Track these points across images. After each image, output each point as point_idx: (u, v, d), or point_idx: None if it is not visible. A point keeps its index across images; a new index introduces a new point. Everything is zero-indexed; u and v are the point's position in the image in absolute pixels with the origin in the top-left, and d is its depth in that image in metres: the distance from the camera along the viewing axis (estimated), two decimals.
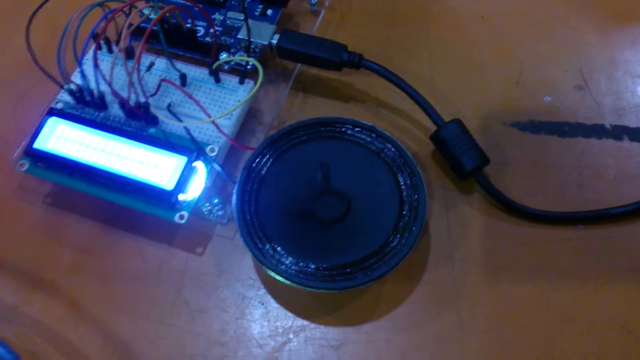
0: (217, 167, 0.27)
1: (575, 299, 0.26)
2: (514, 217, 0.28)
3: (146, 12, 0.29)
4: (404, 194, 0.26)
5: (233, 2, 0.33)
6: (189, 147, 0.28)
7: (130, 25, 0.27)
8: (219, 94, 0.30)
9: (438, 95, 0.32)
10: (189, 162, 0.27)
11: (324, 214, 0.26)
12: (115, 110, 0.29)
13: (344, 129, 0.28)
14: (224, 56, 0.31)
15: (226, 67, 0.31)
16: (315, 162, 0.27)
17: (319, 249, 0.25)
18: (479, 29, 0.34)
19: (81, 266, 0.28)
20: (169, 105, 0.29)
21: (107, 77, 0.27)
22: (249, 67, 0.30)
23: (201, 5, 0.32)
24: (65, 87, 0.28)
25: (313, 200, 0.26)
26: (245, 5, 0.30)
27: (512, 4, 0.35)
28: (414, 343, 0.26)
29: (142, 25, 0.30)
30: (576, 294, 0.26)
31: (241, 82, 0.30)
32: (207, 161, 0.27)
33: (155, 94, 0.29)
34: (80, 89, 0.29)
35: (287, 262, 0.25)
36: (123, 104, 0.28)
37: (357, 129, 0.28)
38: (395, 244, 0.25)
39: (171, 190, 0.26)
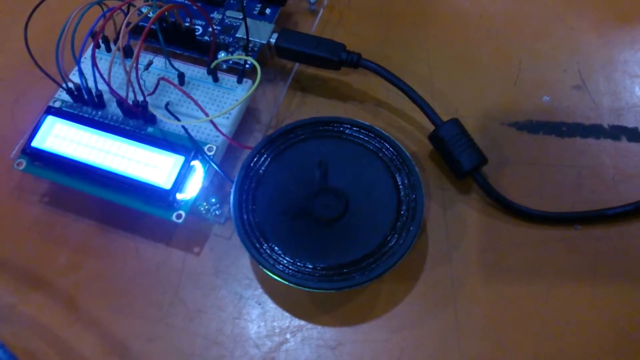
0: (214, 167, 0.27)
1: (573, 298, 0.26)
2: (512, 217, 0.28)
3: (144, 10, 0.29)
4: (402, 193, 0.26)
5: (232, 1, 0.33)
6: (186, 146, 0.28)
7: (129, 23, 0.27)
8: (217, 93, 0.30)
9: (436, 94, 0.32)
10: (187, 161, 0.27)
11: (321, 214, 0.26)
12: (113, 109, 0.29)
13: (342, 128, 0.28)
14: (222, 55, 0.31)
15: (224, 66, 0.31)
16: (313, 161, 0.27)
17: (316, 249, 0.25)
18: (478, 28, 0.34)
19: (78, 265, 0.28)
20: (167, 104, 0.29)
21: (105, 76, 0.27)
22: (247, 66, 0.30)
23: (200, 4, 0.32)
24: (63, 85, 0.28)
25: (311, 199, 0.26)
26: (244, 4, 0.30)
27: (511, 3, 0.35)
28: (412, 343, 0.26)
29: (141, 23, 0.30)
30: (574, 294, 0.26)
31: (239, 81, 0.30)
32: (205, 160, 0.27)
33: (153, 92, 0.29)
34: (78, 88, 0.29)
35: (284, 261, 0.25)
36: (121, 102, 0.28)
37: (355, 128, 0.28)
38: (392, 243, 0.25)
39: (169, 190, 0.26)
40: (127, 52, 0.30)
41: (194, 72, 0.30)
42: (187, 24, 0.30)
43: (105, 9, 0.27)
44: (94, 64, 0.27)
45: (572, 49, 0.33)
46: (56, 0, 0.28)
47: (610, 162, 0.29)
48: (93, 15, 0.27)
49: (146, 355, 0.26)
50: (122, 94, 0.27)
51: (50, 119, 0.28)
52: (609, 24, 0.34)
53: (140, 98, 0.28)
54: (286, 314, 0.26)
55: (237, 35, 0.31)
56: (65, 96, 0.29)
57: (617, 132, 0.30)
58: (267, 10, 0.33)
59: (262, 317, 0.26)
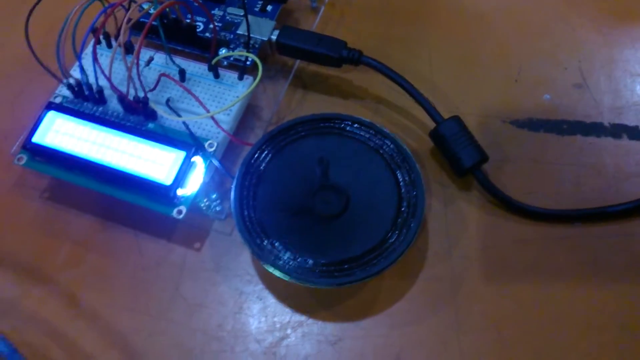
0: (215, 163, 0.27)
1: (573, 296, 0.26)
2: (512, 215, 0.28)
3: (145, 6, 0.29)
4: (403, 190, 0.26)
5: None
6: (187, 142, 0.28)
7: (130, 19, 0.27)
8: (218, 89, 0.30)
9: (437, 92, 0.32)
10: (188, 157, 0.27)
11: (322, 210, 0.26)
12: (114, 104, 0.29)
13: (343, 125, 0.28)
14: (223, 52, 0.31)
15: (225, 62, 0.31)
16: (314, 158, 0.27)
17: (317, 245, 0.25)
18: (479, 26, 0.34)
19: (79, 260, 0.28)
20: (168, 100, 0.29)
21: (106, 72, 0.27)
22: (248, 62, 0.30)
23: (201, 1, 0.32)
24: (64, 81, 0.28)
25: (312, 195, 0.26)
26: (245, 1, 0.30)
27: (512, 1, 0.35)
28: (412, 339, 0.26)
29: (142, 20, 0.30)
30: (574, 292, 0.26)
31: (240, 78, 0.30)
32: (206, 156, 0.27)
33: (154, 89, 0.29)
34: (79, 84, 0.29)
35: (285, 257, 0.25)
36: (122, 98, 0.28)
37: (356, 125, 0.28)
38: (393, 240, 0.25)
39: (169, 185, 0.26)
40: (128, 48, 0.30)
41: (195, 68, 0.30)
42: (188, 21, 0.31)
43: (106, 5, 0.27)
44: (95, 60, 0.27)
45: (573, 47, 0.33)
46: None
47: (611, 160, 0.29)
48: (94, 11, 0.27)
49: (147, 350, 0.26)
50: (123, 89, 0.27)
51: (51, 114, 0.28)
52: (610, 22, 0.34)
53: (141, 94, 0.28)
54: (287, 309, 0.26)
55: (238, 32, 0.31)
56: (66, 92, 0.29)
57: (618, 131, 0.30)
58: (269, 7, 0.33)
59: (263, 313, 0.26)
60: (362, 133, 0.28)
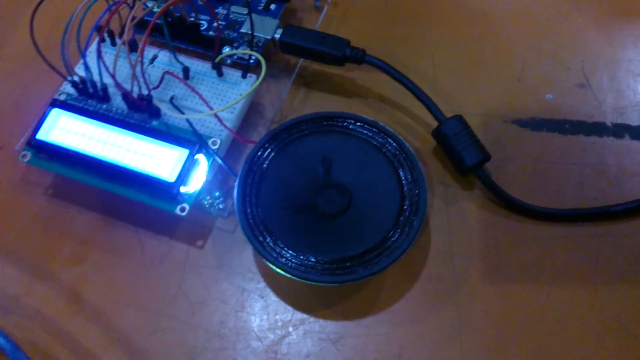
0: (218, 160, 0.28)
1: (575, 296, 0.26)
2: (514, 214, 0.28)
3: (150, 4, 0.29)
4: (405, 189, 0.26)
5: None
6: (191, 140, 0.28)
7: (134, 17, 0.27)
8: (222, 87, 0.30)
9: (440, 91, 0.32)
10: (191, 154, 0.27)
11: (325, 208, 0.26)
12: (118, 102, 0.29)
13: (345, 123, 0.28)
14: (226, 50, 0.31)
15: (229, 61, 0.31)
16: (317, 156, 0.27)
17: (319, 243, 0.25)
18: (482, 25, 0.34)
19: (82, 257, 0.28)
20: (172, 98, 0.29)
21: (111, 70, 0.27)
22: (251, 61, 0.30)
23: None
24: (69, 78, 0.28)
25: (314, 194, 0.26)
26: (249, 0, 0.30)
27: (516, 1, 0.35)
28: (413, 337, 0.26)
29: (146, 18, 0.30)
30: (576, 291, 0.26)
31: (244, 76, 0.30)
32: (209, 154, 0.28)
33: (158, 86, 0.29)
34: (83, 81, 0.29)
35: (287, 255, 0.25)
36: (126, 96, 0.28)
37: (358, 123, 0.28)
38: (395, 238, 0.25)
39: (173, 183, 0.26)
40: (132, 46, 0.30)
41: (199, 66, 0.30)
42: (192, 19, 0.31)
43: (110, 3, 0.27)
44: (100, 57, 0.28)
45: (576, 47, 0.33)
46: None
47: (613, 160, 0.29)
48: (98, 9, 0.27)
49: (149, 347, 0.26)
50: (127, 87, 0.27)
51: (55, 111, 0.28)
52: (613, 22, 0.34)
53: (145, 92, 0.28)
54: (289, 307, 0.27)
55: (241, 30, 0.31)
56: (70, 89, 0.29)
57: (621, 130, 0.30)
58: (272, 6, 0.33)
59: (265, 310, 0.27)
60: (364, 131, 0.28)
